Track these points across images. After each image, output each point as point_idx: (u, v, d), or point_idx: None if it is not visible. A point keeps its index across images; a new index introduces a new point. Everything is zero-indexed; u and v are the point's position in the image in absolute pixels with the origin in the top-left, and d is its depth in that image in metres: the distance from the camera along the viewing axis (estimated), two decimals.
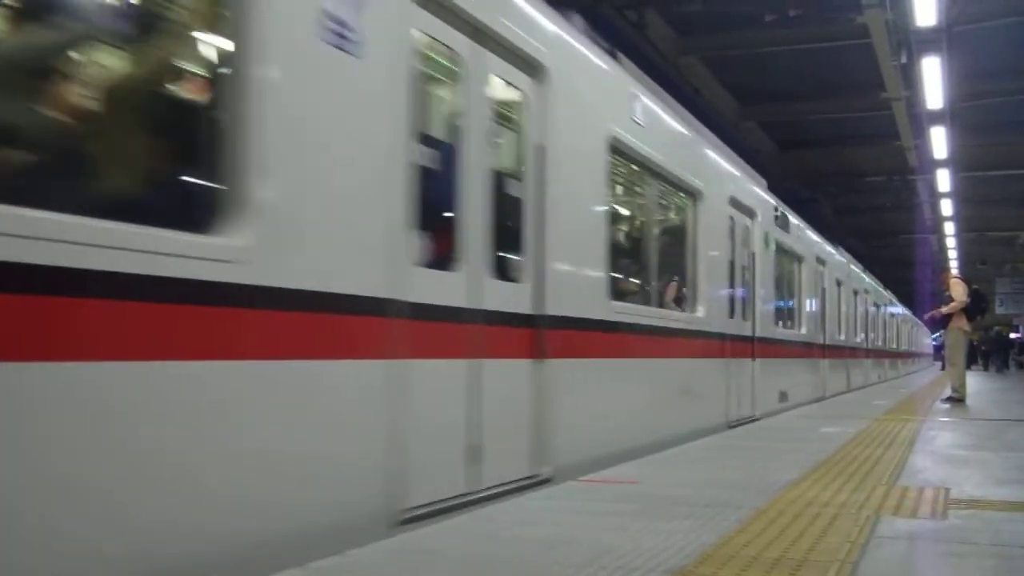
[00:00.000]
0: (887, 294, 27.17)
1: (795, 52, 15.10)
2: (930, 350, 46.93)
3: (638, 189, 7.71)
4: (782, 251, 12.25)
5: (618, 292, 6.54)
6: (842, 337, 17.34)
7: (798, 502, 4.12)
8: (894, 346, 29.05)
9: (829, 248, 16.60)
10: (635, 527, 3.51)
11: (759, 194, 10.88)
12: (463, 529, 3.49)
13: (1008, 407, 12.67)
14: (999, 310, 36.94)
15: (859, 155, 21.97)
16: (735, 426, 8.65)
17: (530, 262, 4.99)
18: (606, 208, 6.17)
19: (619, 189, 7.38)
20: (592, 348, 5.73)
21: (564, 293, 5.25)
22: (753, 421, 9.33)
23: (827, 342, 15.33)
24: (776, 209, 11.65)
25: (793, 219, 12.97)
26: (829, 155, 22.21)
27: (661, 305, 7.71)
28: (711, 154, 9.08)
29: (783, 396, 11.32)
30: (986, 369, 35.66)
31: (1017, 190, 24.88)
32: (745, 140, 18.39)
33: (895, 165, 21.90)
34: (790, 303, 13.36)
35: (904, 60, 13.40)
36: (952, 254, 33.19)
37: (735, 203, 9.63)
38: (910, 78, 14.11)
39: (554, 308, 5.09)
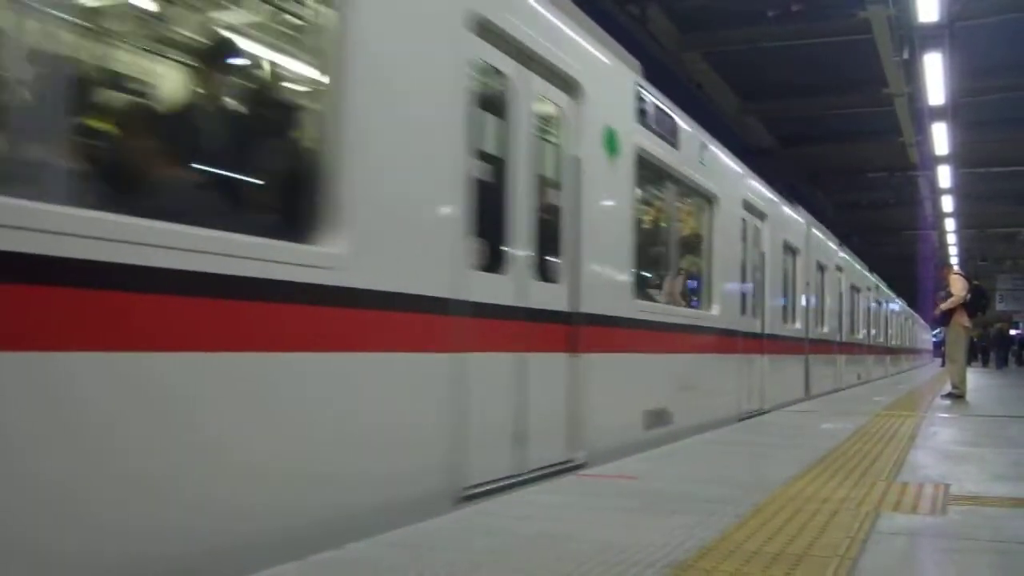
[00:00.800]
0: (873, 278, 22.95)
1: (797, 48, 15.10)
2: (927, 346, 46.96)
3: None
4: (663, 176, 7.70)
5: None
6: (797, 326, 12.95)
7: (798, 498, 4.12)
8: (882, 340, 24.63)
9: (772, 196, 11.57)
10: (635, 522, 3.50)
11: (592, 55, 6.01)
12: (462, 524, 3.49)
13: (1008, 403, 12.68)
14: (999, 306, 37.01)
15: (861, 151, 21.99)
16: (480, 495, 4.31)
17: None
18: None
19: None
20: None
21: None
22: (569, 470, 5.18)
23: (768, 331, 10.83)
24: (641, 98, 6.79)
25: (686, 126, 7.97)
26: (831, 151, 22.23)
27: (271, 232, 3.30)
28: None
29: (657, 417, 6.83)
30: (985, 365, 35.70)
31: (1018, 186, 24.88)
32: (747, 136, 18.42)
33: (896, 161, 21.94)
34: (689, 266, 8.78)
35: (906, 56, 13.43)
36: (953, 250, 33.23)
37: (502, 41, 4.85)
38: (912, 74, 14.13)
39: None
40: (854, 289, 19.12)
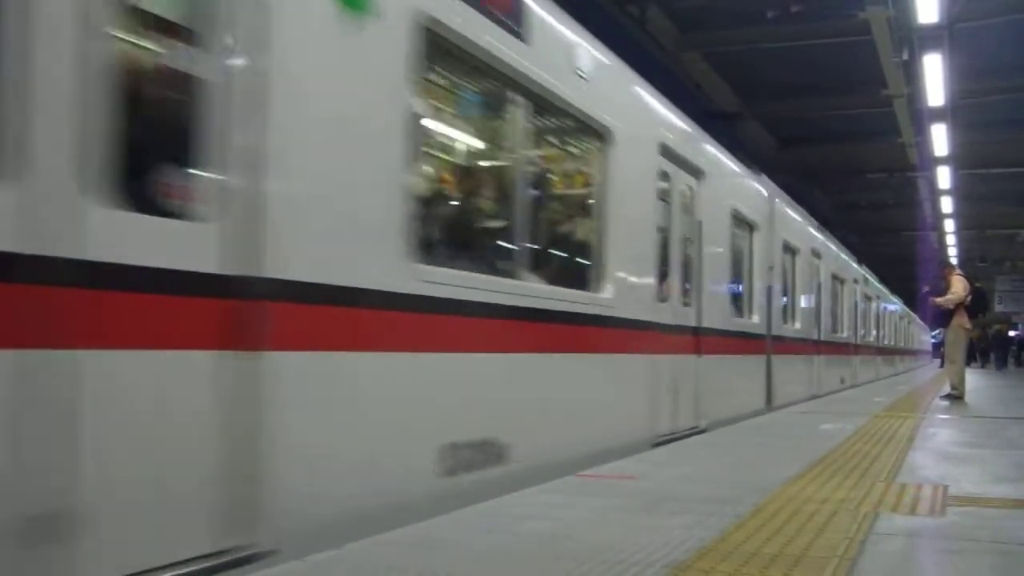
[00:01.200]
0: (862, 270, 20.81)
1: (797, 48, 15.10)
2: (926, 347, 46.99)
3: None
4: (497, 79, 5.04)
5: None
6: (755, 319, 10.53)
7: (797, 498, 4.13)
8: (872, 340, 22.46)
9: (713, 148, 9.13)
10: (634, 522, 3.51)
11: None
12: (462, 523, 3.49)
13: (1007, 404, 12.68)
14: (998, 308, 36.98)
15: (860, 151, 21.99)
16: None
17: None
18: None
19: None
20: None
21: None
22: (228, 566, 2.96)
23: (707, 325, 8.33)
24: None
25: (545, 13, 5.38)
26: (830, 151, 22.23)
27: None
28: None
29: (475, 454, 4.52)
30: (983, 367, 35.72)
31: (1018, 188, 24.88)
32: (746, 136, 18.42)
33: (896, 162, 21.94)
34: (575, 228, 6.42)
35: (906, 57, 13.42)
36: (952, 251, 33.26)
37: None
38: (911, 75, 14.12)
39: None
40: (836, 280, 16.66)
